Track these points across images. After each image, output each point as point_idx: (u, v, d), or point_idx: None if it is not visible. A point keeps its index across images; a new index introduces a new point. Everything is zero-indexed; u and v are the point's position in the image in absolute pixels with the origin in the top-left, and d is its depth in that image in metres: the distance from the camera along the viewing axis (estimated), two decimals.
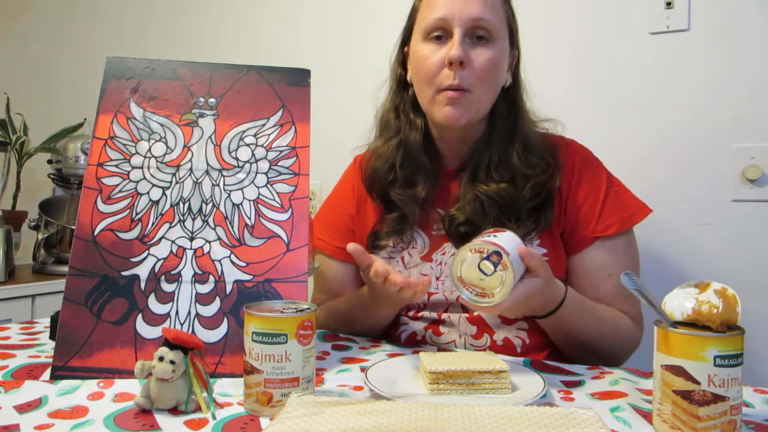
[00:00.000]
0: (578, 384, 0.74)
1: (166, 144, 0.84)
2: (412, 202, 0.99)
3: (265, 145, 0.86)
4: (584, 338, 0.91)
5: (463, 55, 0.91)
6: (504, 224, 0.93)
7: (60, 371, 0.72)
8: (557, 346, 0.96)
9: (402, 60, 1.06)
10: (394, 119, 1.04)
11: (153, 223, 0.80)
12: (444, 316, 0.98)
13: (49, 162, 1.96)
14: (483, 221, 0.94)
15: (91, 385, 0.69)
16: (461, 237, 0.94)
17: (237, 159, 0.84)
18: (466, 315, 0.97)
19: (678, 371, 0.55)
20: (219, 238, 0.80)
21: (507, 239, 0.75)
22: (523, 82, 1.03)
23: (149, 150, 0.84)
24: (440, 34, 0.94)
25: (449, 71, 0.92)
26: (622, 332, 0.94)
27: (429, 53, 0.94)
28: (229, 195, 0.83)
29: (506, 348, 0.95)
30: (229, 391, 0.68)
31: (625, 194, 1.00)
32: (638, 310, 0.97)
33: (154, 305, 0.76)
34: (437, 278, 0.99)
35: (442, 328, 0.98)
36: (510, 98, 1.00)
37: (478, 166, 0.98)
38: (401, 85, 1.06)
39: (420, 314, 1.00)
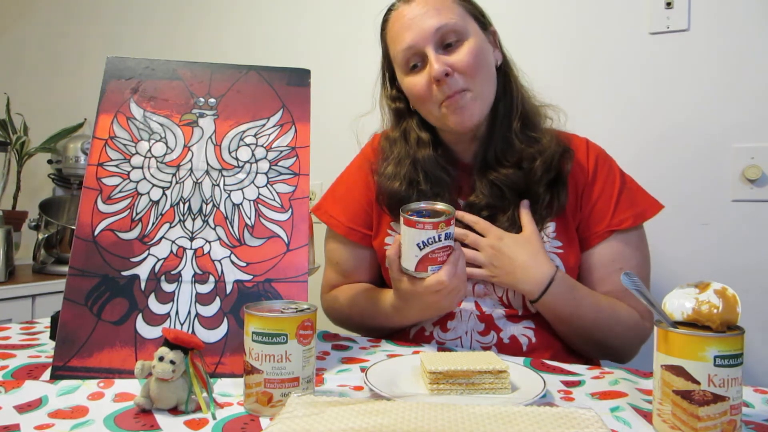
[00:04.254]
0: (578, 384, 0.74)
1: (166, 144, 0.84)
2: None
3: (265, 145, 0.85)
4: (581, 324, 0.93)
5: (444, 68, 0.92)
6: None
7: (60, 371, 0.72)
8: (562, 338, 0.98)
9: (396, 96, 1.07)
10: (404, 144, 1.04)
11: (153, 223, 0.80)
12: (456, 309, 0.98)
13: (49, 162, 1.96)
14: (503, 203, 0.97)
15: (91, 385, 0.69)
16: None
17: (237, 159, 0.84)
18: (478, 313, 0.97)
19: (678, 371, 0.55)
20: (219, 238, 0.80)
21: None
22: (508, 54, 1.04)
23: (149, 150, 0.84)
24: (416, 62, 0.97)
25: (439, 87, 0.94)
26: (622, 321, 0.95)
27: (416, 81, 0.97)
28: (229, 195, 0.83)
29: (512, 346, 0.96)
30: (229, 391, 0.68)
31: (638, 191, 1.03)
32: None
33: (154, 305, 0.76)
34: None
35: (449, 324, 0.99)
36: (502, 75, 1.02)
37: (486, 155, 1.00)
38: (402, 116, 1.07)
39: None
